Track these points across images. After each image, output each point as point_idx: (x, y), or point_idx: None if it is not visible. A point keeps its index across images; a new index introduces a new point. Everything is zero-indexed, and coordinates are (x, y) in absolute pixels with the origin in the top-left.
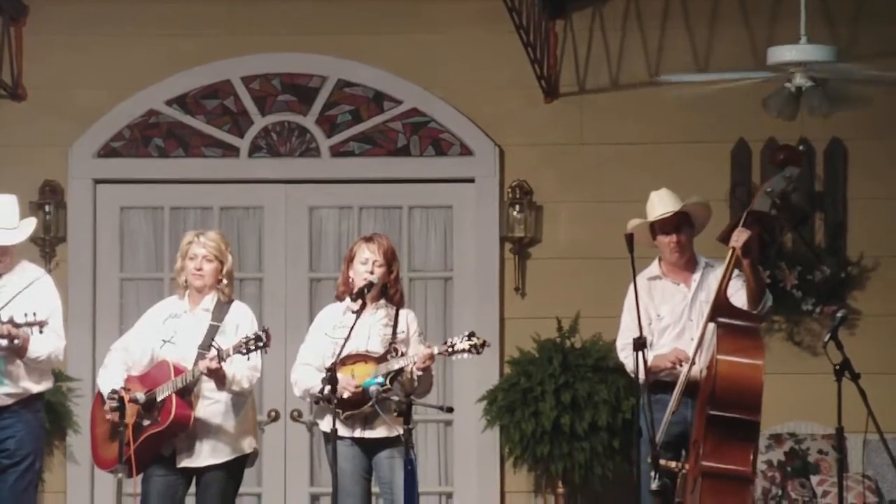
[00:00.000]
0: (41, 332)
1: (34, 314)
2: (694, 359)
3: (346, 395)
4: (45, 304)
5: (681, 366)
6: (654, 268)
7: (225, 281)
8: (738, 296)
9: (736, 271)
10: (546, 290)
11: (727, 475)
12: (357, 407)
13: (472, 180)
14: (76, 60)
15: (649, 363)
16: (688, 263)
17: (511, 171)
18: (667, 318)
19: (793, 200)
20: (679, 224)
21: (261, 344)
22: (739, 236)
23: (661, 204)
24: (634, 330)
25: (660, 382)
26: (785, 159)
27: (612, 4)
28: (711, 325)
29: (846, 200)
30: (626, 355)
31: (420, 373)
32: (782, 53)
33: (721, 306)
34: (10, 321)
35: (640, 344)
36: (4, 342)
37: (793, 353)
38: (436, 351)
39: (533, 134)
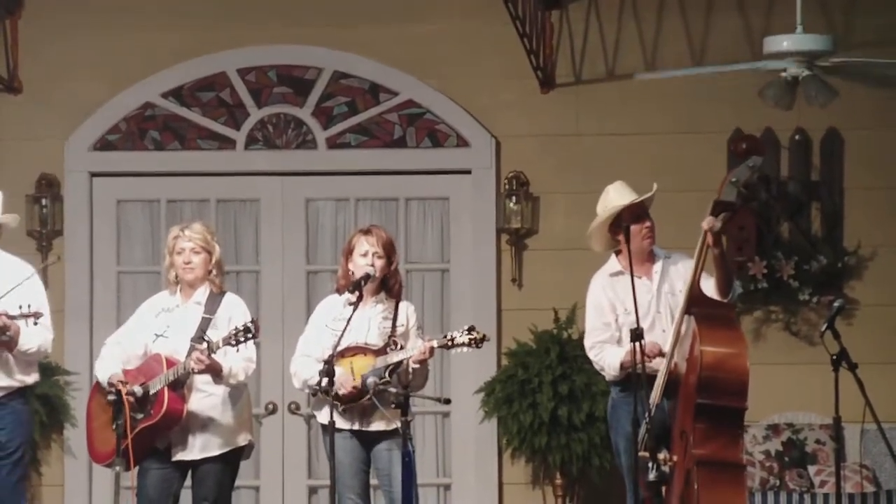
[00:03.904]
0: (35, 323)
1: (28, 306)
2: (672, 352)
3: (342, 392)
4: (36, 297)
5: (661, 357)
6: (613, 263)
7: (215, 271)
8: (707, 285)
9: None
10: (543, 281)
11: (722, 463)
12: (355, 400)
13: (468, 171)
14: (72, 53)
15: (623, 359)
16: (648, 256)
17: (507, 162)
18: (635, 313)
19: (789, 190)
20: (647, 209)
21: (249, 335)
22: (713, 224)
23: (620, 195)
24: (602, 329)
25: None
26: (748, 149)
27: None
28: (686, 317)
29: (843, 190)
30: (595, 353)
31: (416, 366)
32: (778, 43)
33: (696, 298)
34: (4, 313)
35: (637, 335)
36: None
37: (790, 343)
38: (436, 344)
39: (529, 125)
